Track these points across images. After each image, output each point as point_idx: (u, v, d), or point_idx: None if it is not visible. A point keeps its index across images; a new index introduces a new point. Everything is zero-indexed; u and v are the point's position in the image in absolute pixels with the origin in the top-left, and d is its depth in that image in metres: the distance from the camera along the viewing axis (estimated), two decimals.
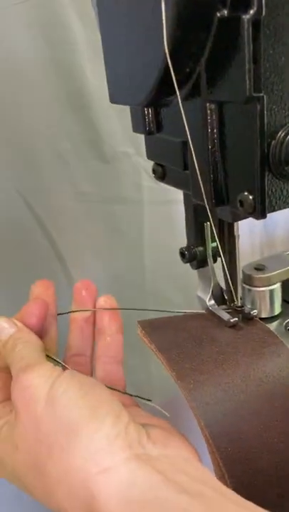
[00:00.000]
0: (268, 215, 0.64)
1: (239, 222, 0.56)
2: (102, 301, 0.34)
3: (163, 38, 0.22)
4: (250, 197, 0.24)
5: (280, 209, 0.25)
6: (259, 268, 0.32)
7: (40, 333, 0.31)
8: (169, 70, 0.23)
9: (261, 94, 0.22)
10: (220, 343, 0.30)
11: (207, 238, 0.32)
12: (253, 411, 0.27)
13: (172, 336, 0.31)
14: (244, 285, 0.33)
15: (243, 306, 0.32)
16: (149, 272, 0.56)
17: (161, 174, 0.33)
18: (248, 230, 0.62)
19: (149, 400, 0.26)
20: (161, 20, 0.22)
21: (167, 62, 0.22)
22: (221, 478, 0.27)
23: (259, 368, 0.28)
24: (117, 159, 0.51)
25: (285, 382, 0.28)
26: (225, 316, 0.31)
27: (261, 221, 0.60)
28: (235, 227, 0.30)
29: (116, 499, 0.22)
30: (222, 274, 0.33)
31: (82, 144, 0.51)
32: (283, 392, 0.28)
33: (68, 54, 0.47)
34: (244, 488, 0.26)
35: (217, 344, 0.30)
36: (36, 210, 0.53)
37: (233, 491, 0.23)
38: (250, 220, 0.63)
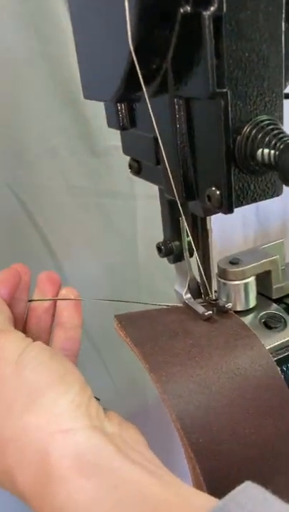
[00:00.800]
0: (262, 205, 0.65)
1: (230, 216, 0.57)
2: (64, 291, 0.34)
3: (127, 34, 0.22)
4: (218, 192, 0.24)
5: (248, 203, 0.25)
6: (234, 262, 0.33)
7: (10, 306, 0.32)
8: (135, 67, 0.23)
9: (225, 90, 0.22)
10: (194, 336, 0.30)
11: (182, 233, 0.32)
12: (225, 403, 0.28)
13: (148, 329, 0.32)
14: (219, 279, 0.33)
15: (217, 300, 0.32)
16: (143, 266, 0.56)
17: (137, 169, 0.33)
18: (241, 222, 0.62)
19: (98, 399, 0.27)
20: (125, 16, 0.22)
21: (133, 59, 0.23)
22: (193, 469, 0.28)
23: (231, 361, 0.29)
24: (108, 153, 0.52)
25: (256, 375, 0.29)
26: (200, 309, 0.32)
27: (254, 212, 0.61)
28: (207, 222, 0.30)
29: (69, 460, 0.22)
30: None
31: (74, 138, 0.51)
32: (255, 384, 0.28)
33: (59, 47, 0.46)
34: (215, 480, 0.27)
35: (191, 337, 0.30)
36: (27, 205, 0.53)
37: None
38: (243, 211, 0.64)
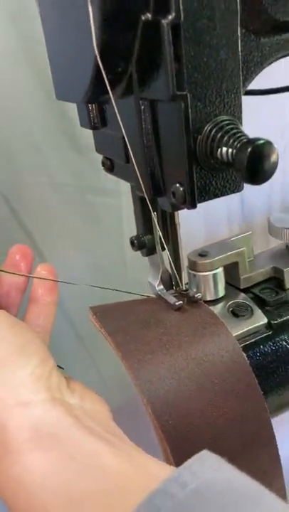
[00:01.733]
0: (247, 199, 0.66)
1: (218, 207, 0.58)
2: (39, 267, 0.34)
3: (92, 39, 0.23)
4: (181, 188, 0.26)
5: (210, 199, 0.27)
6: (203, 254, 0.34)
7: None
8: (104, 69, 0.24)
9: (185, 93, 0.24)
10: (165, 325, 0.32)
11: (154, 227, 0.33)
12: (193, 388, 0.29)
13: (121, 319, 0.33)
14: (189, 270, 0.34)
15: (187, 290, 0.34)
16: (130, 262, 0.56)
17: (110, 167, 0.34)
18: (226, 216, 0.64)
19: (61, 368, 0.28)
20: (90, 22, 0.23)
21: (98, 63, 0.24)
22: (164, 451, 0.29)
23: (200, 348, 0.30)
24: (92, 150, 0.52)
25: (223, 360, 0.30)
26: (171, 299, 0.33)
27: (239, 207, 0.63)
28: (175, 217, 0.32)
29: (28, 432, 0.23)
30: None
31: (58, 135, 0.51)
32: (222, 369, 0.30)
33: (43, 45, 0.47)
34: (185, 460, 0.28)
35: (162, 326, 0.32)
36: (12, 202, 0.54)
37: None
38: (229, 206, 0.65)
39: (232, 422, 0.30)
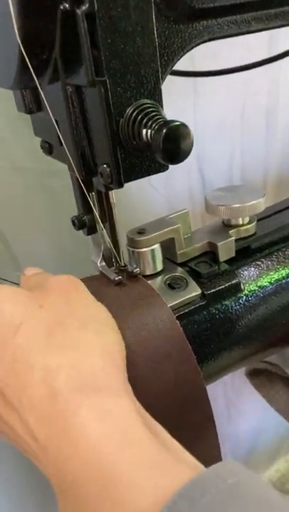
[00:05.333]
0: (208, 179, 0.68)
1: (176, 190, 0.60)
2: None
3: (14, 28, 0.24)
4: (108, 169, 0.28)
5: (137, 178, 0.29)
6: (141, 232, 0.36)
7: None
8: (27, 57, 0.26)
9: (104, 79, 0.25)
10: (106, 299, 0.34)
11: (93, 207, 0.35)
12: (130, 356, 0.31)
13: None
14: (129, 247, 0.36)
15: (126, 266, 0.36)
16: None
17: (48, 149, 0.35)
18: (188, 196, 0.66)
19: None
20: (10, 12, 0.24)
21: (23, 50, 0.25)
22: None
23: (136, 317, 0.32)
24: None
25: (159, 329, 0.33)
26: (112, 275, 0.35)
27: (201, 186, 0.65)
28: (110, 196, 0.33)
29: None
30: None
31: (17, 120, 0.51)
32: (157, 337, 0.32)
33: None
34: None
35: (103, 300, 0.34)
36: None
37: None
38: (190, 186, 0.67)
39: (167, 385, 0.32)
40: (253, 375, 0.67)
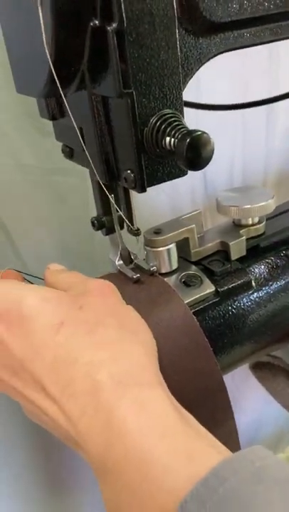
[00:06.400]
0: (210, 180, 0.70)
1: (179, 190, 0.62)
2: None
3: (44, 42, 0.26)
4: (132, 175, 0.29)
5: (158, 183, 0.31)
6: (157, 232, 0.38)
7: None
8: (56, 69, 0.27)
9: (130, 91, 0.27)
10: (125, 296, 0.36)
11: (112, 208, 0.37)
12: None
13: None
14: (146, 247, 0.38)
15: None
16: (98, 242, 0.58)
17: (69, 154, 0.37)
18: (190, 198, 0.67)
19: None
20: (41, 27, 0.26)
21: (53, 63, 0.27)
22: None
23: (154, 314, 0.34)
24: None
25: (176, 324, 0.34)
26: (130, 273, 0.37)
27: (203, 186, 0.66)
28: (131, 197, 0.35)
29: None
30: (130, 238, 0.38)
31: (21, 117, 0.52)
32: (175, 331, 0.34)
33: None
34: None
35: (123, 297, 0.36)
36: None
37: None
38: (192, 186, 0.69)
39: (186, 377, 0.34)
40: (256, 368, 0.69)
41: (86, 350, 0.27)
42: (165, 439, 0.24)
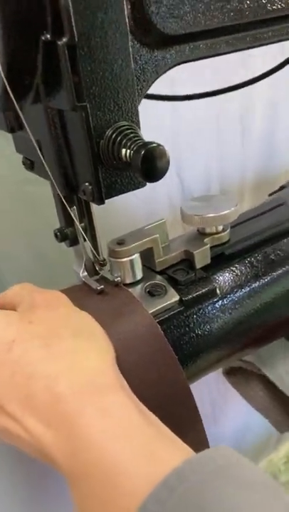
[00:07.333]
0: (187, 187, 0.70)
1: (156, 196, 0.62)
2: None
3: None
4: (90, 187, 0.29)
5: (116, 195, 0.31)
6: (120, 242, 0.38)
7: None
8: (9, 82, 0.27)
9: (84, 104, 0.27)
10: (89, 308, 0.36)
11: (75, 220, 0.37)
12: (119, 361, 0.33)
13: None
14: (110, 258, 0.38)
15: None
16: (72, 250, 0.59)
17: (30, 165, 0.37)
18: (167, 205, 0.67)
19: None
20: None
21: (6, 76, 0.27)
22: None
23: (119, 324, 0.34)
24: None
25: (141, 334, 0.34)
26: (94, 284, 0.37)
27: (180, 193, 0.67)
28: (92, 209, 0.35)
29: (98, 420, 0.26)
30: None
31: None
32: (140, 342, 0.34)
33: None
34: None
35: (87, 309, 0.36)
36: None
37: None
38: (170, 194, 0.69)
39: (152, 386, 0.34)
40: (230, 373, 0.69)
41: (42, 364, 0.27)
42: (128, 443, 0.25)
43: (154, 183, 0.64)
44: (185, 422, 0.36)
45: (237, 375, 0.70)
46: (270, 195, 0.60)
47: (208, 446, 0.38)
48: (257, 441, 0.94)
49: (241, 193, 0.75)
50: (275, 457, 0.58)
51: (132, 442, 0.25)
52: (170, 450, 0.25)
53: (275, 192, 0.60)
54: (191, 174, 0.68)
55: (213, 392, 0.80)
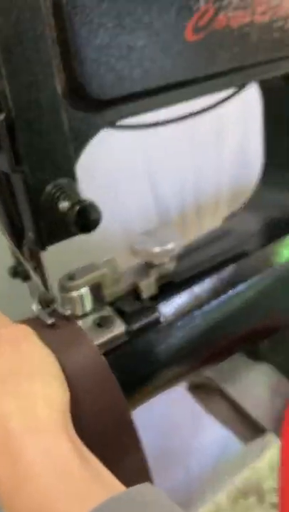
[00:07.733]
0: (161, 201, 0.72)
1: (131, 213, 0.64)
2: None
3: None
4: (33, 236, 0.33)
5: (58, 241, 0.34)
6: (71, 277, 0.41)
7: None
8: None
9: (21, 168, 0.31)
10: (43, 340, 0.39)
11: (24, 263, 0.40)
12: None
13: None
14: (60, 292, 0.42)
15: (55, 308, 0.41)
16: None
17: None
18: (142, 219, 0.70)
19: None
20: None
21: None
22: None
23: (67, 357, 0.38)
24: None
25: (86, 366, 0.38)
26: (46, 318, 0.40)
27: (154, 207, 0.69)
28: (39, 253, 0.38)
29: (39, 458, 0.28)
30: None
31: None
32: (85, 373, 0.37)
33: None
34: None
35: (41, 341, 0.39)
36: None
37: None
38: (145, 206, 0.72)
39: (96, 413, 0.37)
40: (193, 389, 0.73)
41: None
42: (64, 484, 0.27)
43: (129, 199, 0.67)
44: (126, 449, 0.39)
45: (200, 391, 0.73)
46: (224, 219, 0.64)
47: (148, 472, 0.41)
48: (240, 449, 0.96)
49: (217, 204, 0.78)
50: (258, 464, 0.60)
51: (68, 484, 0.27)
52: (101, 492, 0.27)
53: (229, 215, 0.64)
54: (165, 190, 0.71)
55: (193, 405, 0.83)
